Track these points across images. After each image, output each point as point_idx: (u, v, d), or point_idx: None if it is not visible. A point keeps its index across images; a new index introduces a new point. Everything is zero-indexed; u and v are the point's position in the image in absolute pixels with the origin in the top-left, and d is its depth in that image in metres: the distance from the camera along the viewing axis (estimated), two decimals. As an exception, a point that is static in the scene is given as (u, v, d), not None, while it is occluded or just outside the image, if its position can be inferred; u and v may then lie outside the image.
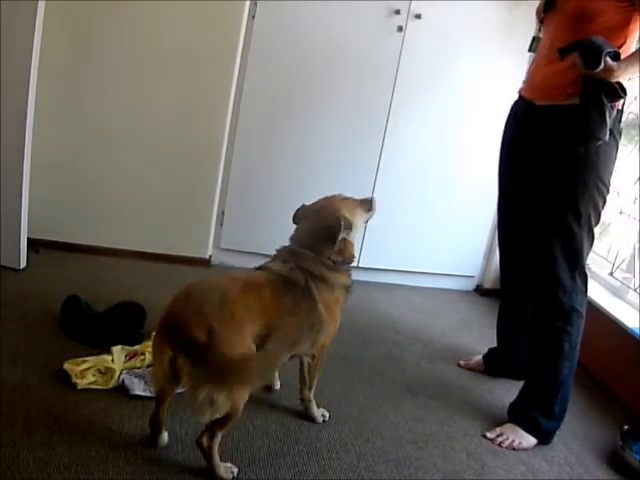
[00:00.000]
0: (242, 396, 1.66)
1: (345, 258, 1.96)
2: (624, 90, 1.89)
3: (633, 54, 1.89)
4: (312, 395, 2.05)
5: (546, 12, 2.09)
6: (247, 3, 2.86)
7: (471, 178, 3.25)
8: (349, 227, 1.93)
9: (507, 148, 2.27)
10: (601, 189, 2.01)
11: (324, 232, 1.91)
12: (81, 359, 2.03)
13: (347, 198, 2.02)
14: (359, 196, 2.07)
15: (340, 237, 1.89)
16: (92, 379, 1.99)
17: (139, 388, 2.00)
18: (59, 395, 1.92)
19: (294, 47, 2.96)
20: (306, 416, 2.05)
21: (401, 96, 3.07)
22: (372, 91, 3.06)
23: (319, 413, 2.07)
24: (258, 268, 1.90)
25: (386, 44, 2.99)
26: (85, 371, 1.99)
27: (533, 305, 2.17)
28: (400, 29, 2.96)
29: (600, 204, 2.04)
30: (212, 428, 1.66)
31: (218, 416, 1.61)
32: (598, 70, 1.84)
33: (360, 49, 3.00)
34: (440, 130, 3.17)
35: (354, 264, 2.04)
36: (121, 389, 1.99)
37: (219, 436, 1.68)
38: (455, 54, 3.06)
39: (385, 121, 3.10)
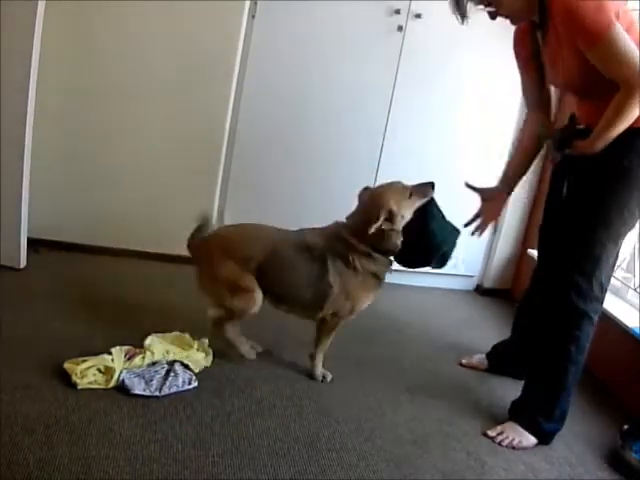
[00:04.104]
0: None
1: (383, 248, 2.16)
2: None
3: (600, 124, 1.87)
4: (318, 357, 2.29)
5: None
6: (247, 3, 2.87)
7: (471, 178, 3.23)
8: (391, 219, 2.11)
9: (557, 172, 2.23)
10: (636, 205, 1.96)
11: (364, 219, 2.12)
12: (81, 358, 2.03)
13: (400, 188, 2.16)
14: (417, 181, 2.18)
15: (373, 229, 2.08)
16: (92, 379, 1.99)
17: (139, 388, 1.99)
18: (59, 395, 1.92)
19: (294, 47, 2.96)
20: (309, 374, 2.29)
21: (401, 95, 3.07)
22: (372, 90, 3.07)
23: (319, 372, 2.29)
24: (301, 230, 2.24)
25: (386, 44, 2.99)
26: (85, 370, 1.99)
27: (546, 305, 2.15)
28: (400, 29, 2.96)
29: (630, 220, 2.00)
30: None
31: None
32: (567, 152, 2.00)
33: (360, 49, 3.00)
34: (440, 130, 3.17)
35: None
36: (121, 389, 1.99)
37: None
38: (455, 54, 3.06)
39: (385, 120, 3.10)
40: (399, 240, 2.18)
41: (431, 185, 2.19)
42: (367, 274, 2.18)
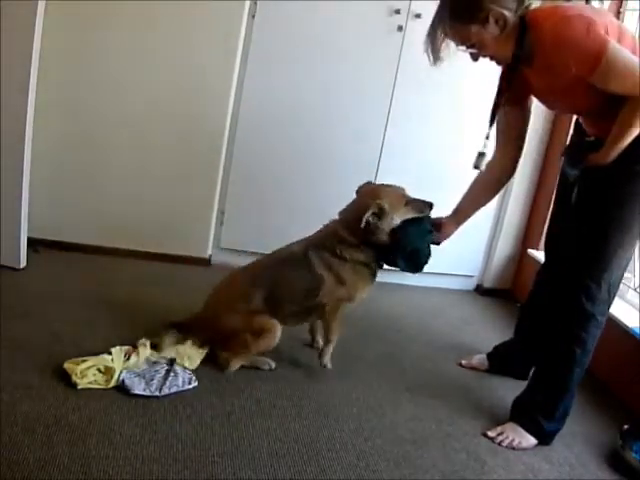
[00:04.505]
0: None
1: (371, 241, 2.18)
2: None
3: (611, 138, 1.86)
4: (327, 350, 2.29)
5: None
6: (247, 3, 2.87)
7: (471, 178, 3.24)
8: (380, 216, 2.14)
9: (565, 177, 2.22)
10: None
11: (355, 212, 2.17)
12: (81, 358, 2.04)
13: (399, 193, 2.21)
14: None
15: (364, 220, 2.11)
16: (92, 378, 1.99)
17: (139, 388, 2.00)
18: (59, 395, 1.92)
19: (294, 47, 2.96)
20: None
21: (401, 95, 3.07)
22: (372, 90, 3.07)
23: (326, 359, 2.30)
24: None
25: (386, 43, 2.99)
26: (85, 370, 1.99)
27: (554, 307, 2.14)
28: (400, 28, 2.96)
29: None
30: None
31: None
32: (582, 167, 1.99)
33: (360, 49, 3.00)
34: (440, 129, 3.17)
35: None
36: (121, 389, 1.99)
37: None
38: (455, 53, 3.05)
39: (385, 120, 3.10)
40: (385, 238, 2.18)
41: (429, 205, 2.22)
42: (357, 263, 2.21)
